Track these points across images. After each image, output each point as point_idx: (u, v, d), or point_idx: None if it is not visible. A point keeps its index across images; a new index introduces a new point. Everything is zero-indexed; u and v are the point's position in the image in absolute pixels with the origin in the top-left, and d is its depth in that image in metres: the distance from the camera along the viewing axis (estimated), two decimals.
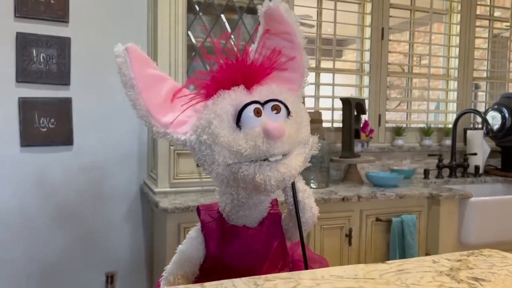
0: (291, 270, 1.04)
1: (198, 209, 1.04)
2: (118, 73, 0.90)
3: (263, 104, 0.88)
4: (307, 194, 0.99)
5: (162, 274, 1.01)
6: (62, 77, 2.00)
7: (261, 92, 0.90)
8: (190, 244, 1.01)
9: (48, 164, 2.01)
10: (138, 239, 2.23)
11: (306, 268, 0.93)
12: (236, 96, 0.88)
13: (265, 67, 0.93)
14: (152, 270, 2.16)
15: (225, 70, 0.91)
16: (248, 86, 0.91)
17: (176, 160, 1.90)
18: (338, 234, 1.95)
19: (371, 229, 2.02)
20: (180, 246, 1.02)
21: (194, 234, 1.02)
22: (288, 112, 0.89)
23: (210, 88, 0.92)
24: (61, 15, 1.98)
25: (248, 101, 0.87)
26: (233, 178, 0.86)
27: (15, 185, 1.96)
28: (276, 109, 0.88)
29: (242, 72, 0.91)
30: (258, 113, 0.86)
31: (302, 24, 2.73)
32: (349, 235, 1.96)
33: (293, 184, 0.95)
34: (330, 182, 2.31)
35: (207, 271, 0.99)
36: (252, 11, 2.09)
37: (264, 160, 0.84)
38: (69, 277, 2.08)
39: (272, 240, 1.00)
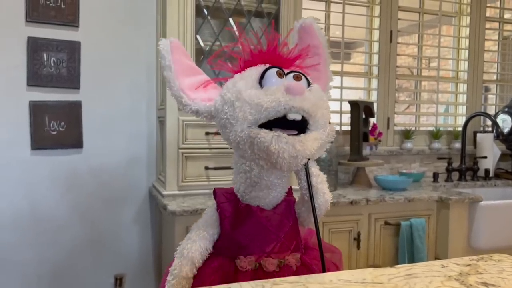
0: (303, 255, 1.06)
1: (214, 191, 1.08)
2: (160, 59, 1.01)
3: (286, 74, 0.94)
4: (321, 179, 1.01)
5: (177, 249, 1.04)
6: (72, 81, 2.02)
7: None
8: (205, 221, 1.04)
9: (58, 167, 2.03)
10: (147, 241, 2.24)
11: (321, 253, 0.94)
12: (261, 66, 0.96)
13: (291, 57, 1.01)
14: (161, 272, 2.16)
15: (255, 55, 0.98)
16: None
17: (184, 163, 1.91)
18: (346, 237, 1.95)
19: (379, 232, 2.02)
20: (195, 223, 1.06)
21: (209, 213, 1.06)
22: (309, 84, 0.95)
23: (240, 69, 1.00)
24: (71, 20, 2.01)
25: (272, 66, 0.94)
26: (250, 142, 0.89)
27: (25, 187, 1.98)
28: (297, 77, 0.94)
29: (271, 57, 0.98)
30: (280, 75, 0.92)
31: None
32: (357, 239, 1.95)
33: (306, 168, 0.96)
34: (338, 185, 2.31)
35: (220, 248, 1.02)
36: (260, 15, 2.10)
37: (284, 119, 0.87)
38: (78, 279, 2.09)
39: (285, 222, 1.03)
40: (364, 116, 2.40)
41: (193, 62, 1.07)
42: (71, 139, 2.04)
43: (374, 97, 2.69)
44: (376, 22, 2.66)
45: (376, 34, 2.67)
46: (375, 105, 2.60)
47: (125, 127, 2.15)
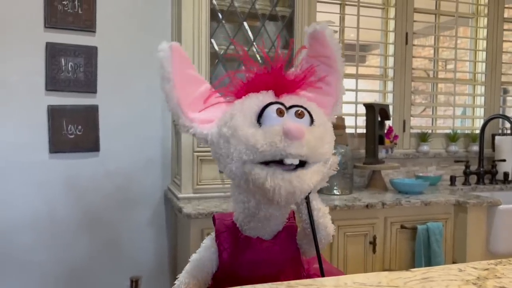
0: None
1: (213, 218, 1.05)
2: (159, 67, 0.94)
3: (287, 108, 0.88)
4: (322, 213, 0.96)
5: (175, 283, 1.01)
6: (89, 85, 2.05)
7: (289, 99, 0.91)
8: (204, 254, 1.01)
9: (75, 170, 2.06)
10: (162, 244, 2.26)
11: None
12: (263, 98, 0.90)
13: (297, 80, 0.94)
14: (175, 275, 2.17)
15: (258, 76, 0.93)
16: (278, 93, 0.92)
17: (199, 166, 1.91)
18: (362, 241, 1.93)
19: (395, 236, 1.99)
20: (193, 255, 1.03)
21: (208, 243, 1.03)
22: (312, 121, 0.88)
23: (242, 90, 0.94)
24: (88, 25, 2.04)
25: (274, 101, 0.88)
26: (245, 179, 0.86)
27: (43, 190, 2.02)
28: (299, 114, 0.88)
29: (275, 80, 0.92)
30: (280, 113, 0.86)
31: None
32: (373, 243, 1.94)
33: (308, 203, 0.93)
34: (354, 188, 2.29)
35: (219, 281, 0.99)
36: (274, 18, 2.10)
37: (280, 161, 0.83)
38: (94, 281, 2.12)
39: (286, 253, 0.99)
40: (379, 119, 2.38)
41: (195, 70, 0.99)
42: (88, 142, 2.07)
43: (389, 99, 2.67)
44: (392, 24, 2.64)
45: (391, 36, 2.65)
46: (390, 107, 2.58)
47: (141, 130, 2.18)
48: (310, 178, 0.84)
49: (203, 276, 0.99)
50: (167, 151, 2.24)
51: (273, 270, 0.97)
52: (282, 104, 0.88)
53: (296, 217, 1.05)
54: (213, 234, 1.03)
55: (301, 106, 0.89)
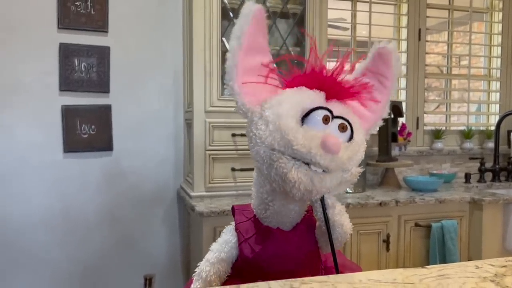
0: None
1: (233, 209, 1.06)
2: (237, 22, 0.92)
3: (333, 117, 0.89)
4: (338, 211, 0.96)
5: (195, 270, 1.02)
6: (102, 85, 2.07)
7: (338, 107, 0.92)
8: (224, 244, 1.02)
9: (89, 169, 2.08)
10: (175, 242, 2.27)
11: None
12: (314, 96, 0.91)
13: (351, 90, 0.95)
14: (189, 273, 2.18)
15: (315, 74, 0.93)
16: (328, 97, 0.93)
17: (211, 165, 1.92)
18: (375, 239, 1.92)
19: (409, 234, 1.97)
20: (214, 244, 1.03)
21: (227, 233, 1.03)
22: (351, 138, 0.90)
23: (295, 81, 0.94)
24: (101, 25, 2.06)
25: (324, 106, 0.89)
26: (269, 164, 0.87)
27: (57, 189, 2.04)
28: (343, 128, 0.89)
29: (330, 84, 0.93)
30: (326, 120, 0.87)
31: (336, 27, 2.71)
32: (386, 241, 1.92)
33: (322, 200, 0.93)
34: (367, 186, 2.27)
35: (239, 270, 1.00)
36: (285, 15, 2.10)
37: (306, 164, 0.84)
38: (108, 279, 2.14)
39: (305, 244, 1.00)
40: (392, 116, 2.36)
41: (266, 39, 0.97)
42: (102, 142, 2.08)
43: (403, 96, 2.64)
44: (404, 20, 2.62)
45: (404, 33, 2.62)
46: (404, 104, 2.55)
47: (154, 129, 2.19)
48: (330, 181, 0.87)
49: (223, 265, 1.00)
50: (179, 150, 2.25)
51: (292, 261, 0.98)
52: (330, 111, 0.89)
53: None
54: (233, 224, 1.04)
55: (347, 120, 0.90)
